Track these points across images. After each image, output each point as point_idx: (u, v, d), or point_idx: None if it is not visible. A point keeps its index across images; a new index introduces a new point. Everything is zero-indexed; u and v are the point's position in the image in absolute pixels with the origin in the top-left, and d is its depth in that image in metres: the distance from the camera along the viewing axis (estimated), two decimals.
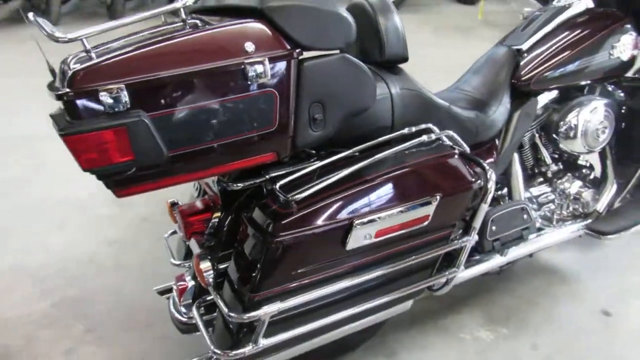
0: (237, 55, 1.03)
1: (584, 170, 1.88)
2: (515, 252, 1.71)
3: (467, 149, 1.36)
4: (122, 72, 0.96)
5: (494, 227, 1.55)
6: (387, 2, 1.43)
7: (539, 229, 1.82)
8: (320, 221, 1.16)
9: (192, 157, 1.07)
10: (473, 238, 1.42)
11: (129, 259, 2.26)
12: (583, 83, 1.73)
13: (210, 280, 1.21)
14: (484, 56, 1.79)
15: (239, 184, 1.26)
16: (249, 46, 1.05)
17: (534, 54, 1.71)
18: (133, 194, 1.08)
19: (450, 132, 1.34)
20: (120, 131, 0.97)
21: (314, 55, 1.15)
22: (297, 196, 1.15)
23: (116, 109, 0.96)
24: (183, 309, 1.44)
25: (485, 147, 1.62)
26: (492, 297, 2.00)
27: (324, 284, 1.22)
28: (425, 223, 1.27)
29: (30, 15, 1.00)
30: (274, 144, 1.14)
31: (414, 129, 1.36)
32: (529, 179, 1.86)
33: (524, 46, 1.75)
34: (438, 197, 1.26)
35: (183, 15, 1.10)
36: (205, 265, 1.21)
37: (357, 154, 1.29)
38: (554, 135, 1.75)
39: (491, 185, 1.37)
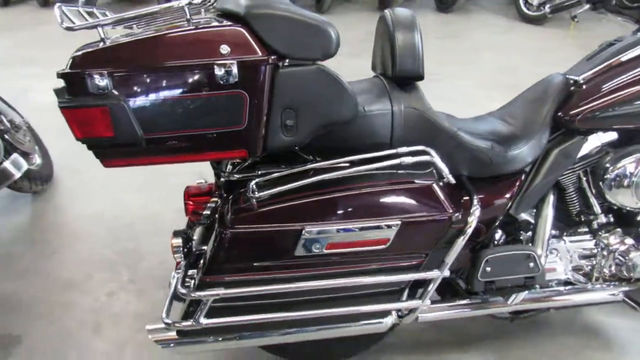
0: (210, 56, 1.12)
1: None
2: (527, 303, 1.56)
3: (451, 180, 1.28)
4: (107, 61, 1.11)
5: (488, 268, 1.43)
6: (411, 18, 1.40)
7: (569, 284, 1.63)
8: (273, 222, 1.21)
9: (165, 143, 1.18)
10: (443, 273, 1.33)
11: None
12: None
13: (177, 255, 1.33)
14: (538, 83, 1.63)
15: (233, 176, 1.36)
16: (224, 48, 1.13)
17: (589, 87, 1.52)
18: (116, 166, 1.24)
19: (434, 159, 1.27)
20: (104, 110, 1.12)
21: (292, 64, 1.20)
22: (260, 195, 1.21)
23: (102, 92, 1.12)
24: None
25: (505, 181, 1.49)
26: (512, 344, 1.83)
27: (271, 284, 1.27)
28: (384, 246, 1.24)
29: (57, 4, 1.20)
30: (244, 142, 1.21)
31: (407, 149, 1.32)
32: (573, 226, 1.66)
33: (582, 78, 1.56)
34: (399, 223, 1.22)
35: (188, 15, 1.22)
36: (176, 241, 1.34)
37: (336, 165, 1.29)
38: (600, 183, 1.54)
39: (472, 220, 1.27)
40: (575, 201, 1.63)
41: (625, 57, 1.53)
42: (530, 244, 1.54)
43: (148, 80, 1.12)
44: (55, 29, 1.17)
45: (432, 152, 1.31)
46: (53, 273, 2.24)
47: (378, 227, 1.23)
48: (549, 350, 1.80)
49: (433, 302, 1.55)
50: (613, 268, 1.61)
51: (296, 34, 1.16)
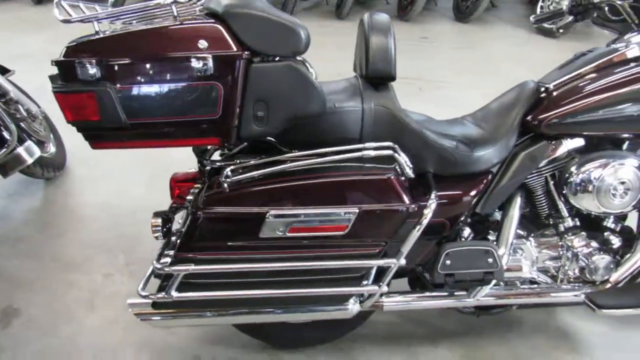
0: (189, 50, 1.23)
1: (606, 233, 1.67)
2: (491, 299, 1.62)
3: (410, 174, 1.36)
4: (96, 51, 1.23)
5: (447, 261, 1.50)
6: (386, 22, 1.49)
7: (535, 283, 1.68)
8: (240, 205, 1.32)
9: (147, 128, 1.30)
10: (399, 261, 1.41)
11: None
12: (615, 135, 1.55)
13: (156, 235, 1.44)
14: (513, 88, 1.70)
15: (215, 164, 1.47)
16: (202, 43, 1.24)
17: (557, 94, 1.58)
18: (103, 148, 1.36)
19: (395, 154, 1.35)
20: (91, 96, 1.25)
21: (264, 59, 1.30)
22: (231, 180, 1.32)
23: (90, 79, 1.24)
24: None
25: (472, 180, 1.56)
26: (481, 341, 1.89)
27: (237, 263, 1.37)
28: (343, 232, 1.33)
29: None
30: (218, 130, 1.31)
31: (374, 144, 1.41)
32: (542, 228, 1.72)
33: (552, 85, 1.62)
34: (356, 211, 1.31)
35: (175, 12, 1.33)
36: (155, 221, 1.45)
37: (305, 156, 1.39)
38: (565, 187, 1.59)
39: (427, 213, 1.35)
40: (544, 204, 1.69)
41: (593, 66, 1.59)
42: (495, 242, 1.61)
43: (132, 70, 1.24)
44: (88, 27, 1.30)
45: (397, 148, 1.39)
46: (56, 254, 2.39)
47: (337, 214, 1.32)
48: (517, 349, 1.85)
49: (399, 292, 1.64)
50: (577, 270, 1.66)
51: (268, 33, 1.26)
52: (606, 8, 1.84)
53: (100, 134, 1.32)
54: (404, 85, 4.41)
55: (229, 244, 1.36)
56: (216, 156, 1.62)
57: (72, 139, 3.28)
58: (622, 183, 1.53)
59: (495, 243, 1.60)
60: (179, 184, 1.64)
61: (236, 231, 1.35)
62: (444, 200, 1.51)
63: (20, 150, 2.54)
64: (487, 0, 5.83)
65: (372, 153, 1.35)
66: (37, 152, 2.61)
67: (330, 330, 1.82)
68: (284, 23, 1.26)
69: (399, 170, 1.38)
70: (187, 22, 1.28)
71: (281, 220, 1.32)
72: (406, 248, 1.41)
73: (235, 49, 1.24)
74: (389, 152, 1.35)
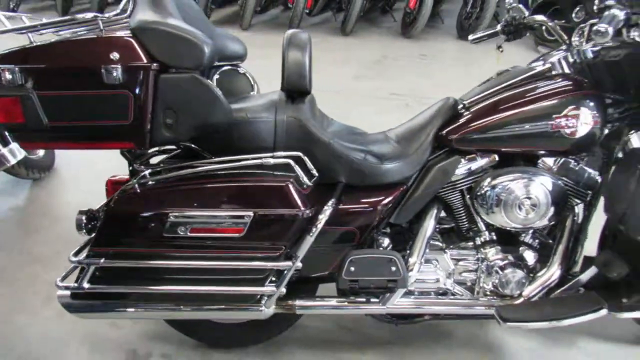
0: (102, 60, 1.35)
1: (522, 248, 1.69)
2: (405, 307, 1.67)
3: (308, 183, 1.44)
4: (20, 60, 1.36)
5: (352, 268, 1.56)
6: (304, 39, 1.57)
7: (451, 294, 1.72)
8: (146, 206, 1.42)
9: (67, 131, 1.42)
10: (295, 264, 1.48)
11: None
12: (516, 150, 1.60)
13: (80, 231, 1.55)
14: (434, 104, 1.76)
15: (140, 167, 1.58)
16: (114, 55, 1.36)
17: (470, 110, 1.64)
18: (31, 148, 1.50)
19: (292, 163, 1.44)
20: (15, 100, 1.38)
21: (172, 71, 1.41)
22: (143, 182, 1.43)
23: (14, 85, 1.37)
24: None
25: (383, 191, 1.62)
26: (408, 350, 1.93)
27: (144, 259, 1.47)
28: (240, 234, 1.42)
29: None
30: (131, 135, 1.42)
31: (283, 153, 1.50)
32: (463, 240, 1.76)
33: (467, 102, 1.68)
34: (251, 215, 1.39)
35: (101, 26, 1.46)
36: (78, 217, 1.56)
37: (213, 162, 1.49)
38: (475, 202, 1.63)
39: (322, 219, 1.43)
40: (463, 218, 1.73)
41: (506, 85, 1.65)
42: (408, 251, 1.66)
43: (51, 77, 1.37)
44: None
45: (303, 157, 1.48)
46: (28, 249, 2.54)
47: (233, 217, 1.41)
48: None
49: (313, 297, 1.70)
50: (491, 284, 1.69)
51: (173, 47, 1.37)
52: (543, 28, 1.88)
53: (27, 135, 1.44)
54: (393, 100, 4.50)
55: (137, 241, 1.46)
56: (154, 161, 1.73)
57: None
58: (529, 198, 1.57)
59: (408, 253, 1.65)
60: (114, 185, 1.75)
61: (143, 230, 1.45)
62: (352, 210, 1.58)
63: (5, 151, 2.73)
64: (489, 18, 5.85)
65: (272, 161, 1.44)
66: (20, 154, 2.78)
67: (259, 332, 1.89)
68: (188, 38, 1.37)
69: (301, 178, 1.46)
70: (107, 35, 1.40)
71: (182, 220, 1.42)
72: (301, 252, 1.48)
73: (145, 61, 1.36)
74: (288, 161, 1.43)
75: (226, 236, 1.43)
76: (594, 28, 1.39)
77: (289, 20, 6.38)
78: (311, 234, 1.46)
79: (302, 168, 1.49)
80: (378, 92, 4.54)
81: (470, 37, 2.02)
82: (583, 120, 1.52)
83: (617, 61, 1.57)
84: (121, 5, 1.54)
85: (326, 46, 6.04)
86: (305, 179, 1.44)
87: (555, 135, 1.53)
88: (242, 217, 1.41)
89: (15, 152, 2.75)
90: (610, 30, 1.36)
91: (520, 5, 1.90)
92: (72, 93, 1.37)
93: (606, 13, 1.41)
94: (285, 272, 1.50)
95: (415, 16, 5.99)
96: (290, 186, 1.43)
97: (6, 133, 2.63)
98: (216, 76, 1.84)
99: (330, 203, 1.48)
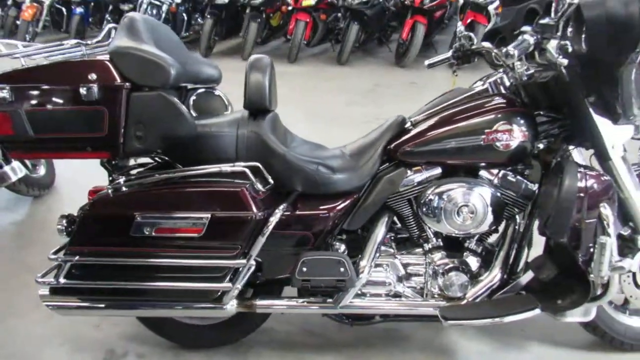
0: (81, 81, 1.55)
1: (465, 254, 1.83)
2: (357, 309, 1.81)
3: (262, 189, 1.62)
4: (10, 80, 1.57)
5: (304, 269, 1.71)
6: (264, 63, 1.78)
7: (402, 296, 1.85)
8: (116, 209, 1.61)
9: (50, 142, 1.62)
10: (249, 263, 1.64)
11: None
12: (456, 163, 1.76)
13: (61, 234, 1.73)
14: (387, 120, 1.92)
15: (117, 175, 1.77)
16: (92, 76, 1.56)
17: (415, 126, 1.81)
18: (20, 157, 1.70)
19: (247, 172, 1.62)
20: (6, 115, 1.58)
21: (146, 90, 1.60)
22: (114, 187, 1.61)
23: (5, 102, 1.58)
24: None
25: (335, 199, 1.78)
26: (367, 352, 2.05)
27: (116, 257, 1.64)
28: (199, 234, 1.59)
29: None
30: (106, 146, 1.62)
31: (243, 164, 1.68)
32: (414, 246, 1.90)
33: (413, 118, 1.86)
34: (209, 216, 1.56)
35: (84, 51, 1.68)
36: (59, 221, 1.74)
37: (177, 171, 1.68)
38: (419, 210, 1.79)
39: (272, 222, 1.59)
40: (413, 225, 1.87)
41: (447, 104, 1.82)
42: (357, 254, 1.81)
43: (37, 95, 1.57)
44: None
45: (262, 168, 1.66)
46: (22, 259, 2.71)
47: (192, 218, 1.59)
48: None
49: (273, 297, 1.85)
50: (437, 287, 1.83)
51: (142, 68, 1.57)
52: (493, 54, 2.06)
53: (15, 146, 1.64)
54: (373, 124, 4.69)
55: (108, 240, 1.64)
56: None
57: (64, 162, 3.73)
58: (467, 206, 1.72)
59: (360, 256, 1.80)
60: (93, 194, 1.93)
61: (113, 230, 1.63)
62: (307, 216, 1.75)
63: (7, 169, 2.94)
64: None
65: (229, 169, 1.62)
66: (21, 172, 3.00)
67: (228, 334, 2.04)
68: (155, 61, 1.57)
69: (255, 185, 1.64)
70: (87, 58, 1.62)
71: (147, 221, 1.59)
72: (255, 251, 1.64)
73: (119, 81, 1.56)
74: (244, 169, 1.62)
75: (187, 236, 1.61)
76: (503, 50, 1.56)
77: (288, 51, 6.68)
78: (263, 235, 1.63)
79: (259, 177, 1.67)
80: (368, 117, 4.75)
81: (426, 62, 2.20)
82: (513, 135, 1.68)
83: (546, 82, 1.74)
84: (101, 35, 1.76)
85: (323, 75, 6.31)
86: (259, 186, 1.62)
87: (488, 149, 1.69)
88: (200, 218, 1.58)
89: (16, 170, 2.97)
90: (516, 53, 1.54)
91: (471, 34, 2.09)
92: (55, 109, 1.57)
93: (519, 37, 1.59)
94: (241, 269, 1.65)
95: (408, 46, 6.24)
96: (245, 191, 1.61)
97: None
98: (193, 97, 2.04)
99: (281, 207, 1.65)
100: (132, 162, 1.87)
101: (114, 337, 2.16)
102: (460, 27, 2.12)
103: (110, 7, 7.73)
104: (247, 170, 1.62)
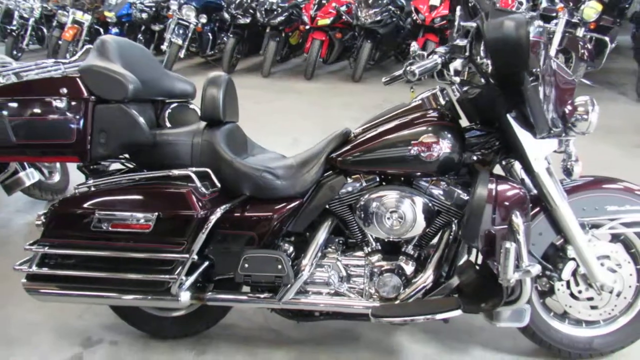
0: (54, 94, 1.80)
1: (401, 257, 1.95)
2: (298, 305, 1.96)
3: (205, 192, 1.81)
4: None
5: (246, 265, 1.88)
6: (220, 79, 1.98)
7: (340, 295, 1.99)
8: (80, 206, 1.84)
9: (29, 147, 1.87)
10: (190, 257, 1.82)
11: None
12: (390, 172, 1.89)
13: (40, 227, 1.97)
14: (332, 133, 2.08)
15: (91, 176, 2.00)
16: (63, 90, 1.81)
17: (354, 138, 1.96)
18: (4, 161, 1.95)
19: (192, 176, 1.82)
20: None
21: (113, 102, 1.83)
22: (80, 187, 1.85)
23: None
24: None
25: (280, 203, 1.95)
26: (317, 349, 2.19)
27: (79, 249, 1.86)
28: (148, 230, 1.79)
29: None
30: (75, 152, 1.85)
31: (194, 169, 1.88)
32: (357, 249, 2.04)
33: (355, 130, 2.01)
34: (156, 215, 1.77)
35: (62, 68, 1.93)
36: (37, 217, 1.98)
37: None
38: (355, 215, 1.93)
39: (211, 221, 1.78)
40: (355, 229, 2.01)
41: (387, 117, 1.97)
42: (302, 255, 1.96)
43: (18, 106, 1.83)
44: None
45: (211, 173, 1.86)
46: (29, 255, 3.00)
47: (142, 216, 1.80)
48: None
49: (223, 291, 2.02)
50: (373, 287, 1.96)
51: (104, 83, 1.81)
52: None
53: (3, 151, 1.91)
54: None
55: (73, 233, 1.86)
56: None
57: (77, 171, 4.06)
58: (396, 212, 1.85)
59: (303, 257, 1.96)
60: None
61: (76, 224, 1.86)
62: (252, 217, 1.92)
63: (22, 174, 3.27)
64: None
65: (176, 173, 1.83)
66: (35, 178, 3.31)
67: (190, 326, 2.23)
68: (115, 77, 1.80)
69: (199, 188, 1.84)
70: (60, 75, 1.87)
71: (105, 217, 1.81)
72: (196, 247, 1.83)
73: (85, 95, 1.80)
74: (190, 173, 1.82)
75: (138, 231, 1.81)
76: (407, 68, 1.70)
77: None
78: (203, 232, 1.82)
79: (209, 181, 1.87)
80: None
81: (383, 79, 2.35)
82: (439, 147, 1.81)
83: (474, 98, 1.87)
84: (78, 54, 2.01)
85: (336, 92, 6.51)
86: (202, 189, 1.81)
87: (415, 159, 1.82)
88: (150, 216, 1.79)
89: (29, 176, 3.29)
90: (417, 72, 1.68)
91: (424, 52, 2.22)
92: (33, 118, 1.82)
93: (429, 57, 1.74)
94: (185, 262, 1.84)
95: None
96: (191, 193, 1.81)
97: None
98: (168, 110, 2.27)
99: (222, 208, 1.84)
100: (113, 167, 2.11)
101: (93, 326, 2.38)
102: (414, 46, 2.26)
103: (143, 27, 8.21)
104: (193, 174, 1.82)
